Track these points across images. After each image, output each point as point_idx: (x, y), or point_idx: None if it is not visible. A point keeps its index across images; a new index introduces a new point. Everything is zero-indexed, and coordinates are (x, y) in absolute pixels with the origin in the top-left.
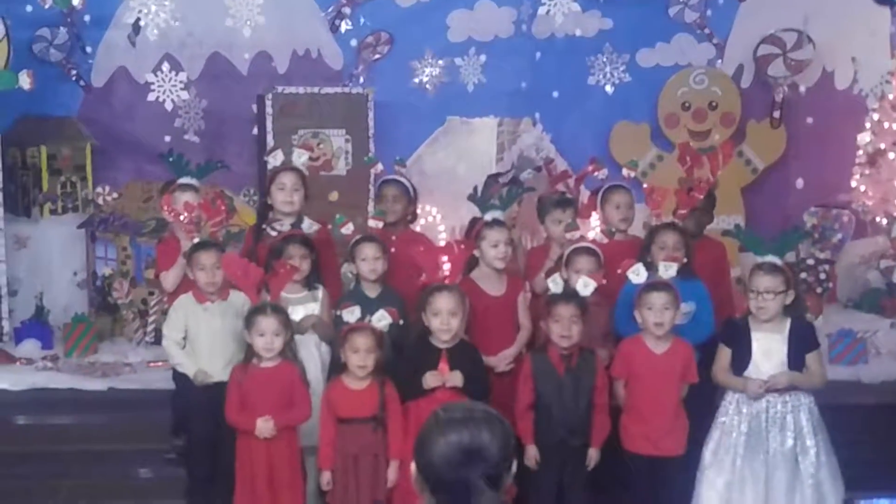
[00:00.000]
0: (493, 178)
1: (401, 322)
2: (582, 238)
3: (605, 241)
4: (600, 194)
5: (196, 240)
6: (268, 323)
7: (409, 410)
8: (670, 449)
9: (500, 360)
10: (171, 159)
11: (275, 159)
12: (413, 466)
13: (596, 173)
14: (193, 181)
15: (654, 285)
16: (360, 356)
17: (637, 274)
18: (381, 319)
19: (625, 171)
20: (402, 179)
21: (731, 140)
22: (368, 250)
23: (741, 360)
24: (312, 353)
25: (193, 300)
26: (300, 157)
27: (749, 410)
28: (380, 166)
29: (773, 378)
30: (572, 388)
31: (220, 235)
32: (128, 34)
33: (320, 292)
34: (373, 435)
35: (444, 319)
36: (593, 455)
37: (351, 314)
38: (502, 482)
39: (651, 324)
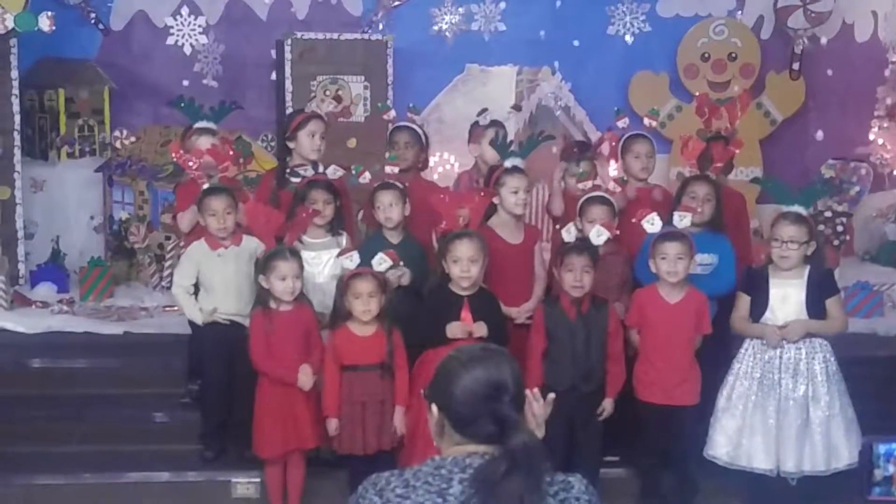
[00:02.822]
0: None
1: (401, 263)
2: (595, 188)
3: (618, 189)
4: (620, 143)
5: (206, 185)
6: (289, 267)
7: (429, 359)
8: (684, 399)
9: (521, 313)
10: (182, 105)
11: (309, 109)
12: (434, 409)
13: (617, 122)
14: (211, 125)
15: (668, 235)
16: (363, 301)
17: (652, 223)
18: (381, 263)
19: (646, 121)
20: (414, 126)
21: (749, 90)
22: (384, 198)
23: (759, 306)
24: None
25: (206, 247)
26: (328, 107)
27: (763, 356)
28: (392, 113)
29: (789, 326)
30: (584, 334)
31: (237, 180)
32: None
33: (344, 238)
34: (380, 381)
35: (464, 266)
36: (608, 406)
37: (350, 260)
38: (522, 414)
39: (664, 272)
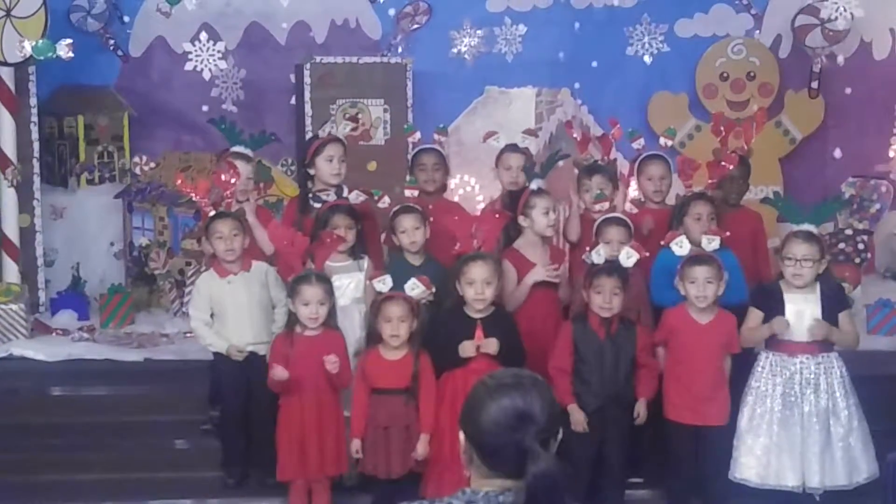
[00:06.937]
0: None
1: (433, 289)
2: (611, 209)
3: (635, 211)
4: (636, 164)
5: (212, 213)
6: (313, 292)
7: (446, 381)
8: (713, 418)
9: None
10: (223, 126)
11: (324, 132)
12: (462, 436)
13: (632, 143)
14: (247, 151)
15: (697, 258)
16: (393, 325)
17: (680, 246)
18: (414, 288)
19: (662, 140)
20: (440, 148)
21: (764, 108)
22: (407, 222)
23: None
24: (355, 321)
25: (216, 276)
26: (345, 129)
27: (783, 373)
28: (418, 135)
29: (814, 324)
30: (613, 354)
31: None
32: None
33: (365, 262)
34: (404, 407)
35: (478, 289)
36: (641, 408)
37: (382, 283)
38: (550, 448)
39: (693, 297)
